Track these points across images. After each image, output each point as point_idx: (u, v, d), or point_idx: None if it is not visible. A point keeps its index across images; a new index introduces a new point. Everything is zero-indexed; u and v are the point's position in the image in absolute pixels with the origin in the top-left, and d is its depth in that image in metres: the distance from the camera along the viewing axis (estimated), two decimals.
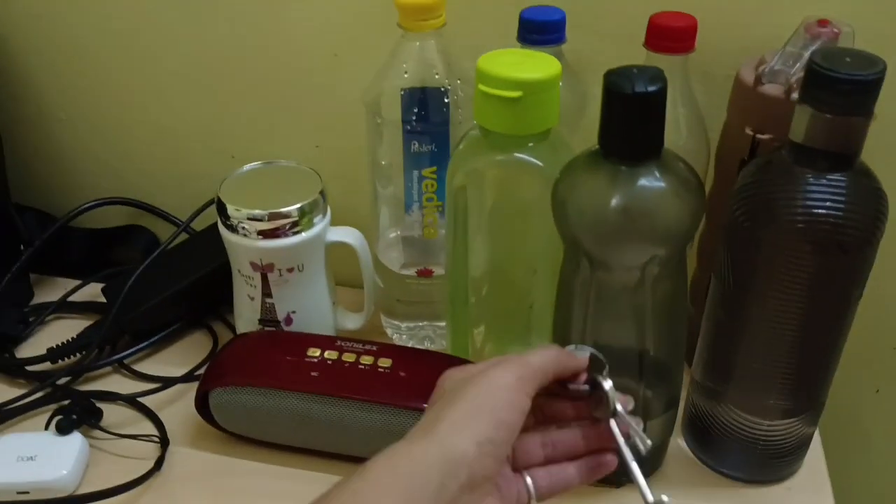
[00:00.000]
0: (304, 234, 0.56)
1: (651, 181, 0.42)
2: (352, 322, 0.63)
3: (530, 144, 0.48)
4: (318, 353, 0.55)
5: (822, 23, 0.49)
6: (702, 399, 0.53)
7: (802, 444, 0.53)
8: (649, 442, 0.38)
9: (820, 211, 0.43)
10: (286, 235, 0.55)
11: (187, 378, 0.62)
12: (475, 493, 0.35)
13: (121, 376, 0.63)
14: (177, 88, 0.68)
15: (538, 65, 0.46)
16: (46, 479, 0.52)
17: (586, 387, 0.39)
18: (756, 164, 0.46)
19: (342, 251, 0.59)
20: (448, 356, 0.57)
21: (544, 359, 0.38)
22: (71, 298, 0.69)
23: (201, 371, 0.61)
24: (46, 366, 0.62)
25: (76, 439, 0.55)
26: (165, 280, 0.65)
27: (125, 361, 0.64)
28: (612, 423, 0.39)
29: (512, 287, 0.56)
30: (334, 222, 0.58)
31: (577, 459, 0.40)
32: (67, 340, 0.63)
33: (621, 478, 0.40)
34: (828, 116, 0.41)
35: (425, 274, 0.61)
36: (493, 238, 0.53)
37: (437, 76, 0.55)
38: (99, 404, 0.58)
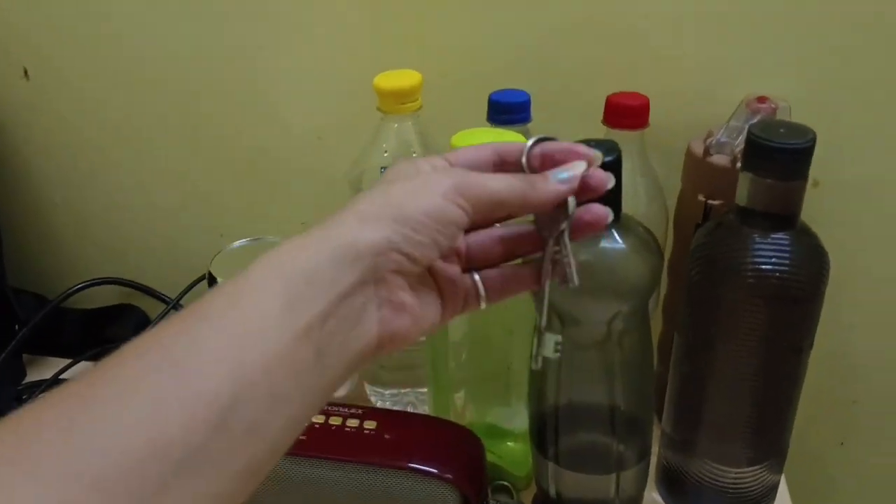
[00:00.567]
0: None
1: (612, 242, 0.46)
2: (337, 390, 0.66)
3: None
4: None
5: (762, 99, 0.55)
6: (672, 451, 0.56)
7: (770, 492, 0.56)
8: (577, 280, 0.37)
9: (767, 267, 0.47)
10: None
11: None
12: (383, 288, 0.32)
13: None
14: (167, 171, 0.72)
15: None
16: None
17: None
18: (708, 227, 0.51)
19: None
20: (431, 417, 0.60)
21: (500, 185, 0.34)
22: (63, 376, 0.71)
23: None
24: None
25: None
26: None
27: None
28: (551, 242, 0.36)
29: (490, 349, 0.59)
30: None
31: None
32: None
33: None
34: (767, 181, 0.46)
35: None
36: None
37: (414, 154, 0.60)
38: None
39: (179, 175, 0.72)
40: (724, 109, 0.56)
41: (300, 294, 0.29)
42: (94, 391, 0.26)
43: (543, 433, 0.53)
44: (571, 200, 0.36)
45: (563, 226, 0.36)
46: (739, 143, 0.53)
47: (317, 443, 0.55)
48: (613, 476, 0.52)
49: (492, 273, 0.37)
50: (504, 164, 0.36)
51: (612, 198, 0.46)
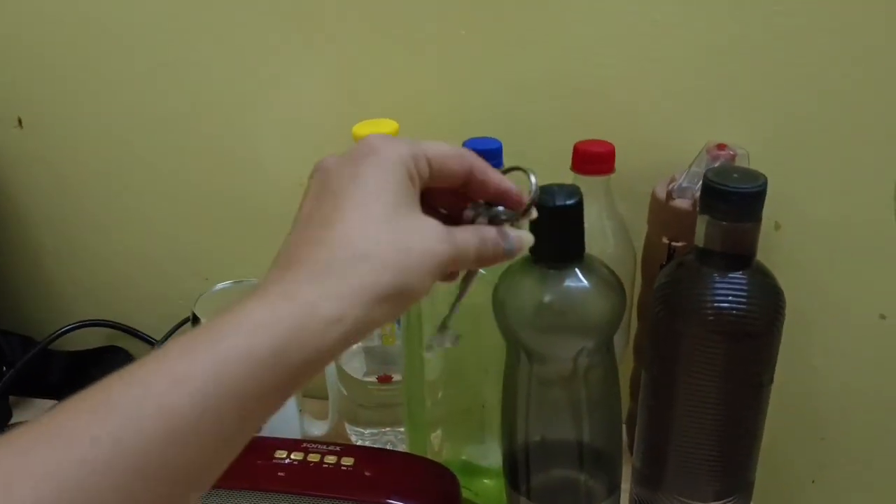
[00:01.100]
0: None
1: (575, 281, 0.48)
2: (317, 429, 0.67)
3: None
4: (284, 454, 0.58)
5: (721, 146, 0.58)
6: (642, 485, 0.58)
7: None
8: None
9: (724, 305, 0.49)
10: None
11: None
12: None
13: None
14: (154, 217, 0.74)
15: None
16: None
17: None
18: (670, 267, 0.53)
19: None
20: (408, 454, 0.62)
21: (475, 247, 0.35)
22: None
23: None
24: None
25: None
26: None
27: None
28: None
29: (465, 387, 0.61)
30: None
31: None
32: None
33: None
34: (722, 223, 0.48)
35: (385, 380, 0.66)
36: None
37: None
38: None
39: (166, 221, 0.74)
40: (686, 156, 0.58)
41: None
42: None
43: (516, 469, 0.55)
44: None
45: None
46: (700, 187, 0.55)
47: (295, 479, 0.57)
48: None
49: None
50: (471, 184, 0.37)
51: (576, 239, 0.48)
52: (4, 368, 0.73)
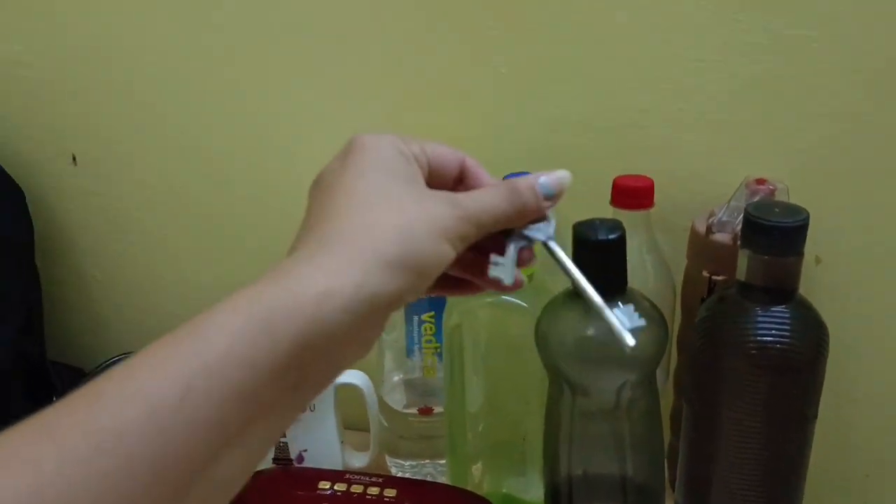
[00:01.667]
0: None
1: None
2: (358, 460, 0.68)
3: None
4: (328, 485, 0.59)
5: (760, 181, 0.58)
6: None
7: None
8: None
9: (767, 339, 0.49)
10: None
11: None
12: (372, 327, 0.31)
13: None
14: (200, 250, 0.76)
15: None
16: None
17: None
18: (711, 301, 0.53)
19: (349, 393, 0.65)
20: (450, 486, 0.62)
21: (494, 220, 0.34)
22: None
23: None
24: None
25: None
26: None
27: None
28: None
29: (506, 420, 0.61)
30: None
31: None
32: None
33: None
34: (764, 258, 0.49)
35: (426, 412, 0.67)
36: (488, 373, 0.59)
37: None
38: None
39: (211, 254, 0.76)
40: (725, 190, 0.59)
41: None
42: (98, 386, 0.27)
43: (558, 503, 0.55)
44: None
45: (539, 237, 0.36)
46: (739, 221, 0.56)
47: None
48: None
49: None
50: (467, 179, 0.36)
51: (618, 273, 0.49)
52: (54, 399, 0.74)
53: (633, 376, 0.49)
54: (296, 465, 0.64)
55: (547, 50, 0.63)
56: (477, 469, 0.63)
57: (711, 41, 0.60)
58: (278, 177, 0.72)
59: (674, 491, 0.59)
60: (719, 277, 0.57)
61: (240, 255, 0.75)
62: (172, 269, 0.77)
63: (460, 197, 0.34)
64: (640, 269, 0.60)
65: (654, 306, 0.51)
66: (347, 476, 0.60)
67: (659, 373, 0.55)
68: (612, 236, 0.47)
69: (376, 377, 0.67)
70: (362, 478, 0.60)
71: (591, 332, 0.49)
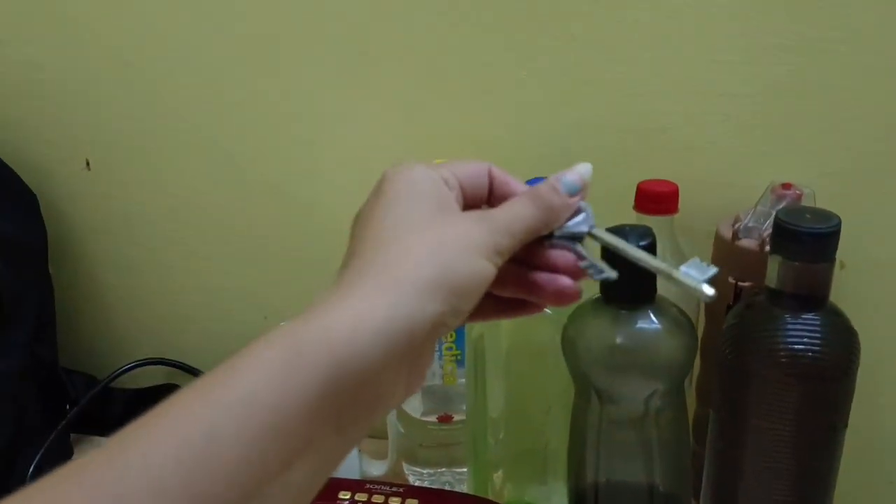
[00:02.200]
0: None
1: (647, 323, 0.48)
2: (376, 469, 0.67)
3: None
4: (348, 495, 0.59)
5: (786, 186, 0.57)
6: None
7: None
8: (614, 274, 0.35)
9: (798, 346, 0.49)
10: None
11: None
12: (417, 359, 0.31)
13: None
14: (215, 256, 0.76)
15: None
16: None
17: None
18: (739, 308, 0.53)
19: None
20: (471, 496, 0.61)
21: (527, 230, 0.33)
22: None
23: None
24: None
25: None
26: None
27: None
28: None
29: (528, 427, 0.61)
30: None
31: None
32: None
33: None
34: (795, 264, 0.48)
35: (445, 420, 0.66)
36: (510, 381, 0.59)
37: None
38: None
39: (227, 260, 0.75)
40: (750, 194, 0.58)
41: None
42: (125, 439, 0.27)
43: None
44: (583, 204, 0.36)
45: (583, 229, 0.35)
46: (766, 227, 0.55)
47: None
48: None
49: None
50: (495, 193, 0.36)
51: (647, 280, 0.48)
52: (68, 407, 0.74)
53: (662, 386, 0.49)
54: None
55: (568, 53, 0.62)
56: (498, 477, 0.63)
57: (736, 43, 0.59)
58: (299, 182, 0.71)
59: (697, 500, 0.58)
60: (745, 284, 0.56)
61: (259, 262, 0.75)
62: (189, 275, 0.77)
63: (490, 211, 0.34)
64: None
65: (682, 313, 0.50)
66: (368, 486, 0.60)
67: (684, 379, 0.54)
68: (642, 243, 0.46)
69: None
70: (382, 487, 0.59)
71: (620, 340, 0.48)
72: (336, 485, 0.60)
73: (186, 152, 0.73)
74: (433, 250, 0.30)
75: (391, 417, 0.65)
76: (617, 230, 0.47)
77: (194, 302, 0.78)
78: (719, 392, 0.53)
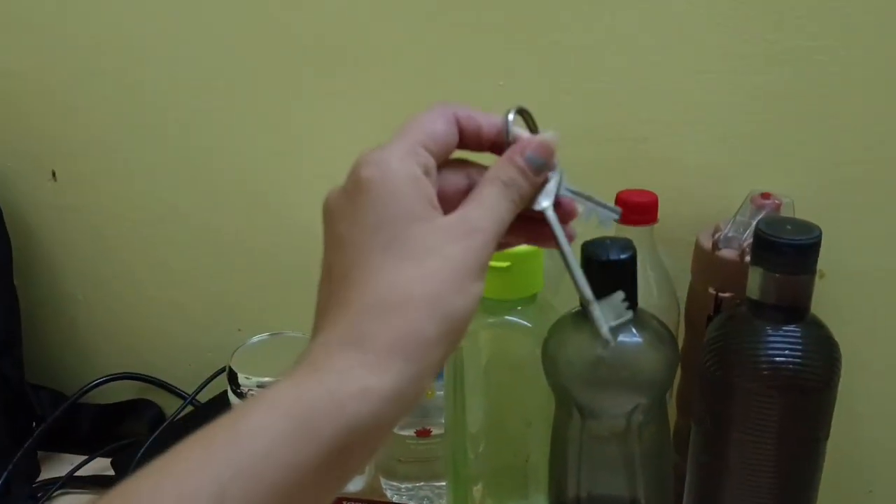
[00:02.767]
0: None
1: (629, 336, 0.47)
2: (353, 484, 0.66)
3: (519, 308, 0.54)
4: None
5: (766, 195, 0.57)
6: None
7: None
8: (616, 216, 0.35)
9: (780, 359, 0.48)
10: None
11: None
12: None
13: None
14: (186, 269, 0.74)
15: None
16: None
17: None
18: (720, 320, 0.52)
19: None
20: None
21: (503, 227, 0.32)
22: (77, 473, 0.71)
23: None
24: None
25: None
26: None
27: None
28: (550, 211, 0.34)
29: (508, 441, 0.60)
30: None
31: None
32: None
33: None
34: (776, 275, 0.47)
35: (424, 434, 0.65)
36: (489, 394, 0.58)
37: None
38: None
39: (198, 272, 0.74)
40: (730, 204, 0.58)
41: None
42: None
43: None
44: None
45: (548, 199, 0.34)
46: (746, 237, 0.55)
47: None
48: None
49: None
50: (465, 139, 0.35)
51: (629, 293, 0.47)
52: (34, 424, 0.72)
53: (645, 400, 0.48)
54: None
55: (547, 62, 0.62)
56: (478, 491, 0.62)
57: (715, 53, 0.59)
58: (273, 192, 0.70)
59: None
60: (726, 294, 0.56)
61: (233, 273, 0.73)
62: (160, 288, 0.75)
63: (470, 216, 0.32)
64: (643, 285, 0.58)
65: (664, 326, 0.50)
66: (345, 502, 0.58)
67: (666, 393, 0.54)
68: (623, 255, 0.45)
69: None
70: (360, 503, 0.58)
71: (601, 354, 0.47)
72: None
73: (156, 163, 0.71)
74: (432, 297, 0.29)
75: None
76: (598, 243, 0.47)
77: (165, 315, 0.76)
78: (701, 404, 0.53)
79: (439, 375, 0.62)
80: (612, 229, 0.58)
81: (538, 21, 0.61)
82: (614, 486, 0.52)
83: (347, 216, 0.31)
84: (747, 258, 0.53)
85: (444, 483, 0.64)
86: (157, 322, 0.76)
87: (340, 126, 0.67)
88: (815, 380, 0.49)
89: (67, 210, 0.74)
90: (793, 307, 0.49)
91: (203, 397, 0.71)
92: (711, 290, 0.56)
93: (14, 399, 0.71)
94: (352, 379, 0.28)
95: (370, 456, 0.30)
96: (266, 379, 0.59)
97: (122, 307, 0.76)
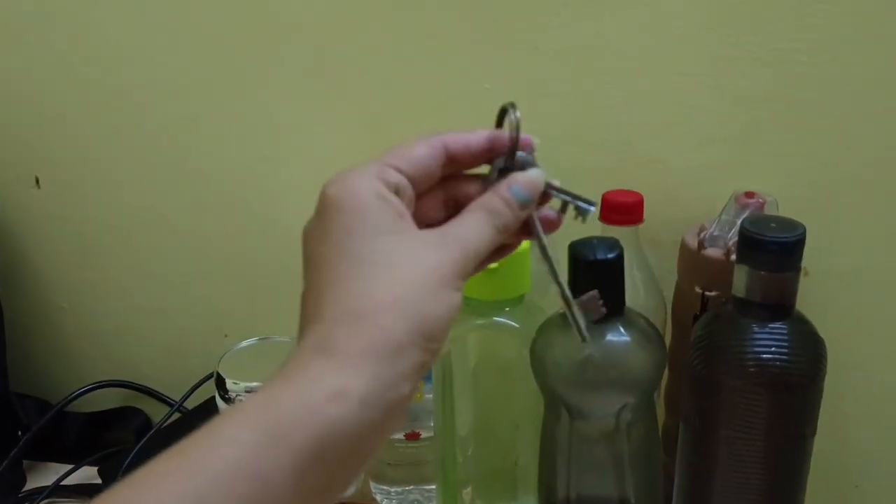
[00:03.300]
0: None
1: (617, 336, 0.47)
2: None
3: (507, 309, 0.54)
4: None
5: (750, 194, 0.57)
6: None
7: None
8: (594, 208, 0.35)
9: (767, 356, 0.48)
10: None
11: None
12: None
13: None
14: (173, 275, 0.74)
15: None
16: None
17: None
18: (707, 318, 0.52)
19: None
20: None
21: (487, 246, 0.33)
22: (64, 482, 0.71)
23: None
24: None
25: None
26: None
27: None
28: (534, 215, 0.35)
29: (497, 443, 0.60)
30: None
31: None
32: None
33: None
34: (762, 273, 0.48)
35: (413, 437, 0.65)
36: (478, 396, 0.58)
37: None
38: None
39: (185, 279, 0.73)
40: (715, 204, 0.58)
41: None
42: None
43: None
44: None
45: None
46: (732, 236, 0.55)
47: None
48: None
49: None
50: (454, 162, 0.35)
51: (616, 293, 0.48)
52: (20, 433, 0.71)
53: (633, 399, 0.48)
54: None
55: (532, 66, 0.62)
56: (467, 494, 0.62)
57: (699, 55, 0.59)
58: (258, 198, 0.70)
59: None
60: (712, 293, 0.56)
61: (218, 279, 0.73)
62: (145, 295, 0.74)
63: (450, 233, 0.32)
64: (630, 285, 0.58)
65: (651, 325, 0.50)
66: None
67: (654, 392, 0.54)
68: (610, 255, 0.46)
69: None
70: None
71: (589, 355, 0.47)
72: None
73: (140, 169, 0.71)
74: (402, 300, 0.29)
75: None
76: (585, 242, 0.47)
77: (151, 321, 0.75)
78: (689, 403, 0.53)
79: (427, 378, 0.62)
80: (597, 228, 0.58)
81: (523, 25, 0.61)
82: (604, 487, 0.52)
83: (318, 235, 0.32)
84: (733, 257, 0.54)
85: (433, 486, 0.64)
86: (143, 329, 0.76)
87: (326, 131, 0.67)
88: (801, 376, 0.49)
89: (51, 217, 0.73)
90: (778, 304, 0.49)
91: (190, 403, 0.70)
92: (697, 289, 0.57)
93: None
94: (324, 385, 0.28)
95: (353, 468, 0.29)
96: (254, 384, 0.59)
97: (108, 314, 0.76)
